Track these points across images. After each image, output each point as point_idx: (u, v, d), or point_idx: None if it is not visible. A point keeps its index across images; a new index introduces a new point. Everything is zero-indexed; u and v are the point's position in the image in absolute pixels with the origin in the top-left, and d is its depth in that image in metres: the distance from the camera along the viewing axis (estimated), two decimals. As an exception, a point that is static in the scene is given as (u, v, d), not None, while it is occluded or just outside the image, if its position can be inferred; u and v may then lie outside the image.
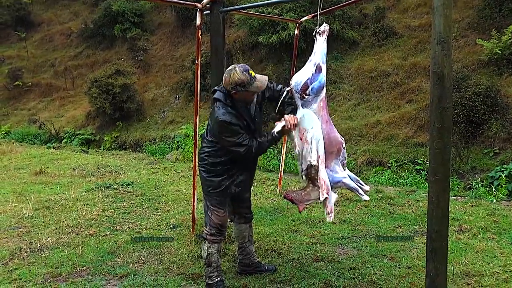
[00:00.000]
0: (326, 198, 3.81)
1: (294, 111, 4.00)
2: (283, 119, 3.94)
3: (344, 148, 4.02)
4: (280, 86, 4.19)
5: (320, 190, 3.83)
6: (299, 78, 3.94)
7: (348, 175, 4.07)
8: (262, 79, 3.85)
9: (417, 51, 12.26)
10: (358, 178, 4.15)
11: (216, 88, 3.99)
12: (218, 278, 4.14)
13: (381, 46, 13.03)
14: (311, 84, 3.86)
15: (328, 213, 3.89)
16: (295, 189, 4.04)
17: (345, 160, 4.06)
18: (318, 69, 3.90)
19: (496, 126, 9.17)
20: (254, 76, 3.80)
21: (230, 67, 3.85)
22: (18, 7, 22.58)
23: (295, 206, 5.89)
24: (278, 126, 3.93)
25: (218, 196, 4.08)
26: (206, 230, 4.15)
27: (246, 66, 3.83)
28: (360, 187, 4.06)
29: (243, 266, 4.51)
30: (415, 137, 10.05)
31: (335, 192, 3.96)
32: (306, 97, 3.88)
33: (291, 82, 4.02)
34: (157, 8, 19.70)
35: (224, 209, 4.12)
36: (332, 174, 3.92)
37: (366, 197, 3.94)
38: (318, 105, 3.88)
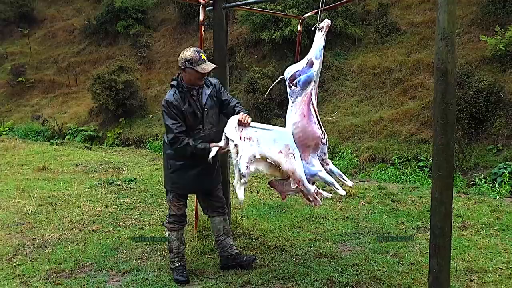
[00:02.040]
0: (297, 187, 3.95)
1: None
2: (222, 140, 3.96)
3: (323, 143, 4.04)
4: (235, 101, 4.35)
5: (291, 180, 3.95)
6: (291, 69, 4.06)
7: (331, 170, 4.16)
8: (209, 65, 4.12)
9: (420, 48, 12.22)
10: (342, 174, 4.22)
11: (173, 77, 4.30)
12: (179, 263, 4.36)
13: (384, 42, 12.99)
14: (299, 76, 3.95)
15: (310, 200, 4.00)
16: (279, 179, 4.15)
17: (324, 155, 4.10)
18: (309, 64, 3.95)
19: (499, 123, 9.14)
20: (204, 59, 4.08)
21: (189, 47, 4.21)
22: (21, 3, 22.55)
23: (297, 202, 5.93)
24: (217, 146, 3.96)
25: (179, 190, 4.33)
26: (166, 219, 4.44)
27: (201, 49, 4.19)
28: (343, 181, 4.15)
29: (222, 259, 4.55)
30: (418, 133, 10.03)
31: (312, 184, 4.02)
32: (293, 87, 3.99)
33: (285, 71, 4.12)
34: (160, 5, 19.67)
35: (183, 201, 4.37)
36: (308, 167, 3.98)
37: (342, 192, 3.98)
38: (302, 98, 3.96)
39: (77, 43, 21.00)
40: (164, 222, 4.51)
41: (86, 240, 5.40)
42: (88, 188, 7.78)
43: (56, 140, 14.92)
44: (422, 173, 8.69)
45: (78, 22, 21.57)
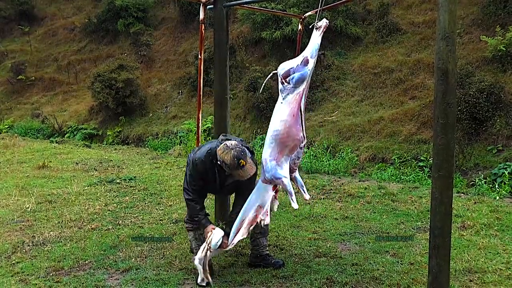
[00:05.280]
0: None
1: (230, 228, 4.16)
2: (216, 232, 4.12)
3: (301, 148, 4.03)
4: (243, 200, 4.27)
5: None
6: (285, 65, 4.04)
7: (296, 177, 4.21)
8: (247, 172, 3.98)
9: (421, 48, 12.22)
10: (303, 185, 4.25)
11: (220, 139, 4.18)
12: None
13: (385, 42, 12.99)
14: (293, 73, 3.93)
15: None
16: None
17: (298, 159, 4.13)
18: (304, 62, 3.94)
19: (499, 123, 9.14)
20: (242, 165, 3.91)
21: (232, 145, 3.97)
22: (22, 1, 22.51)
23: (297, 202, 5.89)
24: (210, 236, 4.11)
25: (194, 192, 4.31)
26: (184, 218, 4.49)
27: (241, 154, 3.90)
28: (302, 192, 4.19)
29: (252, 257, 4.59)
30: (418, 133, 10.03)
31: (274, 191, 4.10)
32: (285, 84, 3.97)
33: (279, 67, 4.10)
34: (160, 3, 19.67)
35: (199, 202, 4.32)
36: (276, 168, 3.96)
37: (295, 205, 3.96)
38: (293, 96, 3.94)
39: (77, 41, 20.99)
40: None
41: (85, 238, 5.40)
42: (88, 186, 7.78)
43: (56, 138, 14.91)
44: (422, 173, 8.68)
45: (78, 20, 21.56)
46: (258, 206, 4.07)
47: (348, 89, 12.22)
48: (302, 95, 3.93)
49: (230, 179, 4.22)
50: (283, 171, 3.94)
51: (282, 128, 3.91)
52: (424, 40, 12.36)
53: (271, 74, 4.31)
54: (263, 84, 4.28)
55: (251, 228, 4.11)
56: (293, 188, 4.04)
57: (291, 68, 3.96)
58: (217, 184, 4.23)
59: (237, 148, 3.93)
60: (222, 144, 4.02)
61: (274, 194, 4.11)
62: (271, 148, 3.98)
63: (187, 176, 4.25)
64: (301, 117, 3.98)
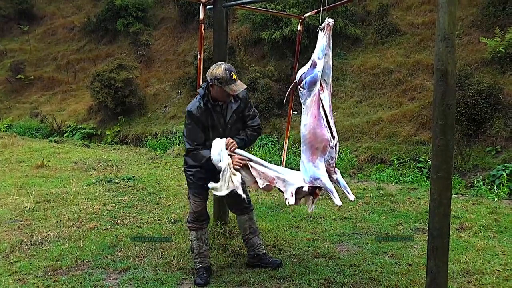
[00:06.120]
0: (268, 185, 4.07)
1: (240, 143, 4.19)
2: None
3: (332, 148, 4.01)
4: (252, 123, 4.33)
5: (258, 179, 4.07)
6: (299, 72, 4.09)
7: (338, 179, 4.15)
8: (239, 86, 4.05)
9: (420, 49, 12.22)
10: (347, 186, 4.18)
11: (201, 85, 4.22)
12: (200, 265, 4.33)
13: (384, 43, 12.98)
14: (305, 78, 3.98)
15: (286, 198, 4.07)
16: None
17: (332, 159, 4.07)
18: (313, 65, 3.97)
19: (498, 125, 9.14)
20: (234, 79, 4.01)
21: (219, 62, 4.13)
22: (21, 0, 22.51)
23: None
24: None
25: (195, 187, 4.28)
26: (187, 218, 4.42)
27: (232, 68, 4.06)
28: (346, 194, 4.13)
29: (249, 258, 4.59)
30: (417, 135, 10.03)
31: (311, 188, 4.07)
32: (301, 90, 4.03)
33: (296, 75, 4.17)
34: (160, 3, 19.66)
35: (201, 198, 4.31)
36: (314, 170, 3.99)
37: (338, 202, 3.93)
38: (311, 99, 3.97)
39: (76, 40, 20.97)
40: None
41: (83, 237, 5.40)
42: (86, 186, 7.77)
43: (55, 138, 14.90)
44: (421, 174, 8.69)
45: (78, 19, 21.53)
46: (283, 181, 4.08)
47: (347, 90, 12.22)
48: (319, 96, 3.95)
49: (229, 111, 4.19)
50: (321, 171, 3.98)
51: (307, 132, 3.97)
52: (423, 41, 12.36)
53: (292, 84, 4.36)
54: (286, 95, 4.43)
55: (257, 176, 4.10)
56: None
57: (303, 73, 4.00)
58: (219, 123, 4.16)
59: (227, 63, 4.08)
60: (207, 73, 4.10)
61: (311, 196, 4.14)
62: (304, 152, 4.05)
63: (185, 137, 4.18)
64: (327, 117, 3.99)
